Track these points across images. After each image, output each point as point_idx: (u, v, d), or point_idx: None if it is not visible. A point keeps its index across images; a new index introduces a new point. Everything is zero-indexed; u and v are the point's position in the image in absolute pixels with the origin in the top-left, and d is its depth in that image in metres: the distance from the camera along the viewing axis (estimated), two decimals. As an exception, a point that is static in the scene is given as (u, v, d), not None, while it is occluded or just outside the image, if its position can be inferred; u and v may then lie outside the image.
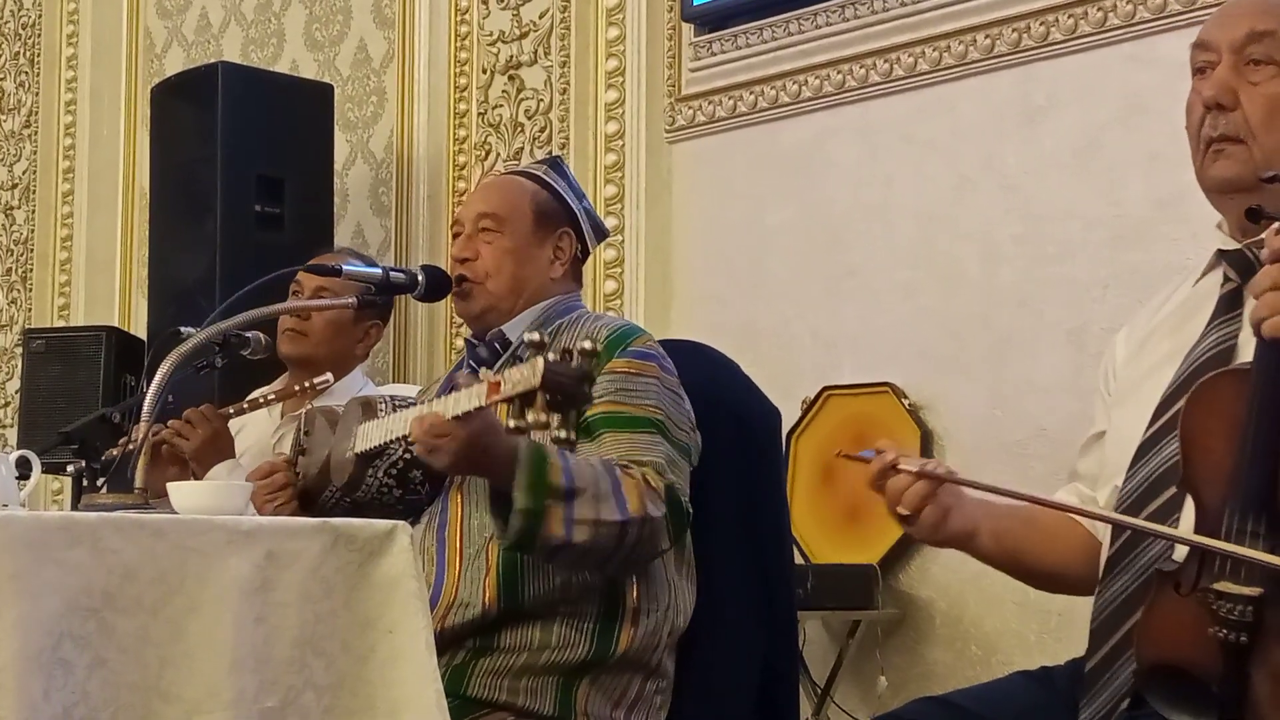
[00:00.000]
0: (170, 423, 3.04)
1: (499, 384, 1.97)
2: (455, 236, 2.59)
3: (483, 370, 2.13)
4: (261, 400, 3.30)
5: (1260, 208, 1.74)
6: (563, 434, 1.89)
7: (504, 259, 2.51)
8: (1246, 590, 1.61)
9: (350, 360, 3.52)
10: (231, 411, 3.26)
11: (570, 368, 1.87)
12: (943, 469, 1.91)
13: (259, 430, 3.57)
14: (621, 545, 2.22)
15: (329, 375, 3.28)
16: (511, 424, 1.91)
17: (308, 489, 2.48)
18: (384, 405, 2.42)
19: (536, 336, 1.92)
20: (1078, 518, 2.01)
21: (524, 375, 1.89)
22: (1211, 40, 1.94)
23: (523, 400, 1.90)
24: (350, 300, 2.78)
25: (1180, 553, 1.74)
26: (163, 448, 2.98)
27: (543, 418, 1.86)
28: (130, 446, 2.53)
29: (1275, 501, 1.64)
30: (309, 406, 2.96)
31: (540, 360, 1.86)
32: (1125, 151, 3.32)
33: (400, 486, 2.42)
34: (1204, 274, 1.97)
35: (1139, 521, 1.81)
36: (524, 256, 2.53)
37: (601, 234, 2.72)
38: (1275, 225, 1.69)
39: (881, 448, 1.93)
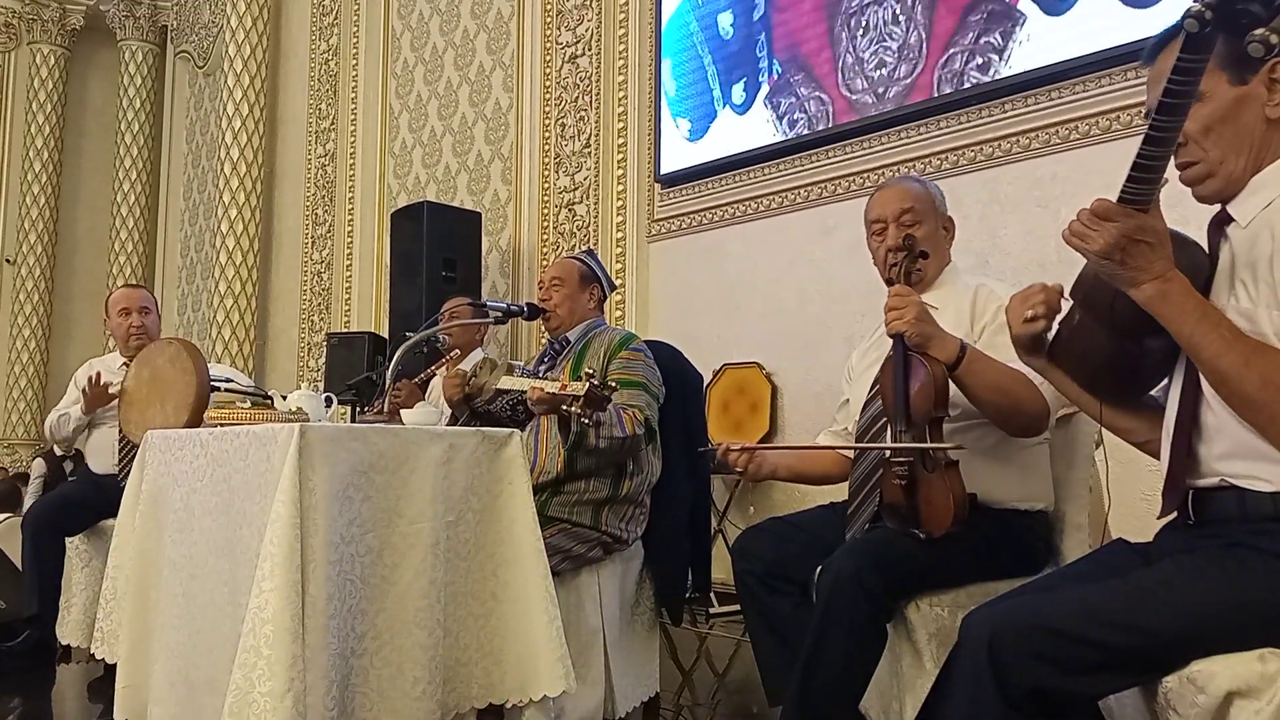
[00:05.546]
0: (392, 395, 2.86)
1: (565, 386, 1.92)
2: (540, 288, 2.48)
3: (562, 375, 2.10)
4: (432, 371, 3.13)
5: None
6: (586, 420, 1.86)
7: (565, 300, 2.41)
8: (904, 459, 1.62)
9: (474, 344, 3.34)
10: (421, 378, 3.13)
11: (600, 391, 1.84)
12: (753, 445, 1.83)
13: (439, 384, 3.44)
14: (624, 447, 2.16)
15: (456, 350, 3.14)
16: (565, 408, 1.88)
17: (470, 394, 2.33)
18: (517, 368, 2.35)
19: (591, 372, 1.88)
20: (832, 450, 1.96)
21: (577, 388, 1.86)
22: (880, 215, 1.85)
23: (572, 397, 1.87)
24: (492, 319, 2.64)
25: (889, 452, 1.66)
26: (390, 403, 2.76)
27: (577, 410, 1.85)
28: (384, 398, 2.53)
29: (909, 412, 1.62)
30: (480, 357, 2.83)
31: (587, 385, 1.83)
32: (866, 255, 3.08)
33: (510, 411, 2.35)
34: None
35: (866, 444, 1.77)
36: (575, 299, 2.42)
37: (612, 286, 2.54)
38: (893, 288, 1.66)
39: (719, 442, 1.85)
